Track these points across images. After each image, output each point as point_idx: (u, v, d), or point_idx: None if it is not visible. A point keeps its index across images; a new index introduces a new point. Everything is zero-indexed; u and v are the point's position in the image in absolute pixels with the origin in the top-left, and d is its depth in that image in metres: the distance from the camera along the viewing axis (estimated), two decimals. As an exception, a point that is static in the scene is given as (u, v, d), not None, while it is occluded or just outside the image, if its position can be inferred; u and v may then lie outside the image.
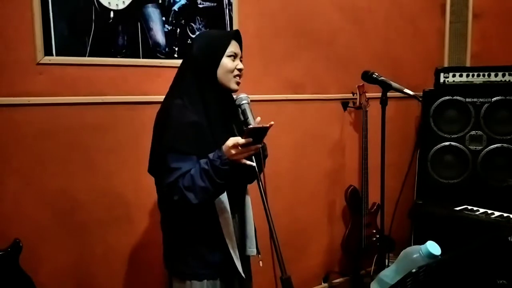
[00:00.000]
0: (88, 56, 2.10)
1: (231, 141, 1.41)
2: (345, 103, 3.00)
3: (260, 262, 1.77)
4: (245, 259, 1.70)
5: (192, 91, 1.54)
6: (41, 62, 2.00)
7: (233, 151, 1.40)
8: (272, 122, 1.45)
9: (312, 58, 2.84)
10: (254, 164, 1.44)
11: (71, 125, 2.10)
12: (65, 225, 2.13)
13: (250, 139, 1.39)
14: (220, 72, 1.55)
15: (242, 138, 1.40)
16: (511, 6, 3.24)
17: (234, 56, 1.57)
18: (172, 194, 1.45)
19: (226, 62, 1.55)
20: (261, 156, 1.54)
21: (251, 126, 1.42)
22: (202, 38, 1.64)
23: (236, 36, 1.61)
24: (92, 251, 2.20)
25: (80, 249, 2.17)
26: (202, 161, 1.45)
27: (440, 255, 1.19)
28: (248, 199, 1.73)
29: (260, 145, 1.44)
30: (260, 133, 1.42)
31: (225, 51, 1.55)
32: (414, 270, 0.99)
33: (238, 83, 1.59)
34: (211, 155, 1.43)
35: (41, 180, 2.06)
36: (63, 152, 2.09)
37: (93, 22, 2.10)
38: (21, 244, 1.90)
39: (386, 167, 2.10)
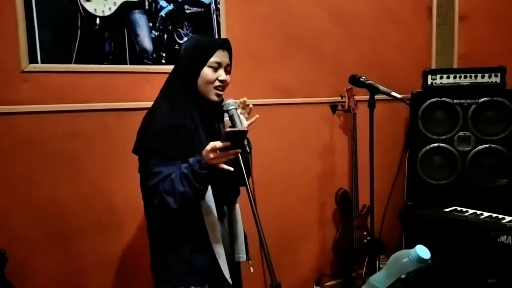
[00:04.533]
0: (74, 63, 2.08)
1: (210, 145, 1.39)
2: (334, 106, 3.00)
3: (251, 268, 1.76)
4: (235, 265, 1.69)
5: (177, 96, 1.54)
6: (25, 70, 1.97)
7: (211, 155, 1.38)
8: (257, 115, 1.45)
9: (301, 62, 2.84)
10: (232, 169, 1.41)
11: (57, 133, 2.07)
12: (53, 234, 2.10)
13: (228, 143, 1.37)
14: (200, 82, 1.55)
15: (220, 142, 1.38)
16: (496, 8, 3.27)
17: (217, 67, 1.55)
18: (153, 197, 1.45)
19: (207, 72, 1.54)
20: (248, 160, 1.52)
21: (227, 129, 1.40)
22: (188, 45, 1.63)
23: (224, 45, 1.58)
24: (80, 260, 2.17)
25: (69, 259, 2.14)
26: (183, 165, 1.44)
27: (429, 258, 1.19)
28: (237, 203, 1.71)
29: (239, 150, 1.41)
30: (238, 136, 1.39)
31: (206, 61, 1.53)
32: (403, 276, 0.99)
33: (218, 95, 1.57)
34: (191, 160, 1.43)
35: (28, 189, 2.03)
36: (50, 160, 2.06)
37: (79, 29, 2.08)
38: (6, 256, 1.87)
39: (375, 169, 2.11)
